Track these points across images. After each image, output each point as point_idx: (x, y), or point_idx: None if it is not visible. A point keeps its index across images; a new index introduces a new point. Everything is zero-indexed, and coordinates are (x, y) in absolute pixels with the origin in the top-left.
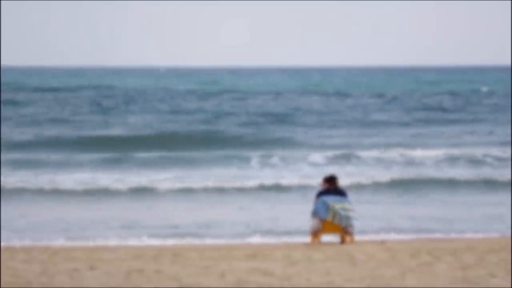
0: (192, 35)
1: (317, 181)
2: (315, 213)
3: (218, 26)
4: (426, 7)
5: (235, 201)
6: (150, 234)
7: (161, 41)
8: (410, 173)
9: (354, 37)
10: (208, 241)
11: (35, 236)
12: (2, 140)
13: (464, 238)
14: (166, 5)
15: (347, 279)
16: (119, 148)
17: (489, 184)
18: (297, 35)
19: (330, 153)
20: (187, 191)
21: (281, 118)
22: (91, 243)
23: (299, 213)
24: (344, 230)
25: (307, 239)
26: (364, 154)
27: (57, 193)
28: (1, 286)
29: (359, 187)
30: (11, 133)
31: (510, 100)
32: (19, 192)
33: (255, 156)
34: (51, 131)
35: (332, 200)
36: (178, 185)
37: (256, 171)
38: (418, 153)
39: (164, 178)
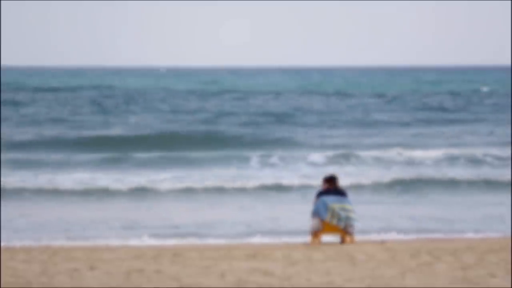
0: (192, 35)
1: (317, 181)
2: (315, 213)
3: (218, 26)
4: (426, 7)
5: (235, 201)
6: (150, 234)
7: (161, 41)
8: (410, 173)
9: (354, 37)
10: (208, 241)
11: (35, 236)
12: (2, 140)
13: (464, 238)
14: (166, 5)
15: (347, 279)
16: (119, 148)
17: (489, 184)
18: (297, 35)
19: (330, 153)
20: (187, 191)
21: (281, 118)
22: (91, 243)
23: (299, 213)
24: (344, 230)
25: (307, 239)
26: (364, 154)
27: (57, 193)
28: (1, 286)
29: (359, 187)
30: (11, 133)
31: (510, 100)
32: (19, 192)
33: (255, 156)
34: (51, 131)
35: (332, 200)
36: (178, 185)
37: (256, 171)
38: (418, 153)
39: (164, 178)
